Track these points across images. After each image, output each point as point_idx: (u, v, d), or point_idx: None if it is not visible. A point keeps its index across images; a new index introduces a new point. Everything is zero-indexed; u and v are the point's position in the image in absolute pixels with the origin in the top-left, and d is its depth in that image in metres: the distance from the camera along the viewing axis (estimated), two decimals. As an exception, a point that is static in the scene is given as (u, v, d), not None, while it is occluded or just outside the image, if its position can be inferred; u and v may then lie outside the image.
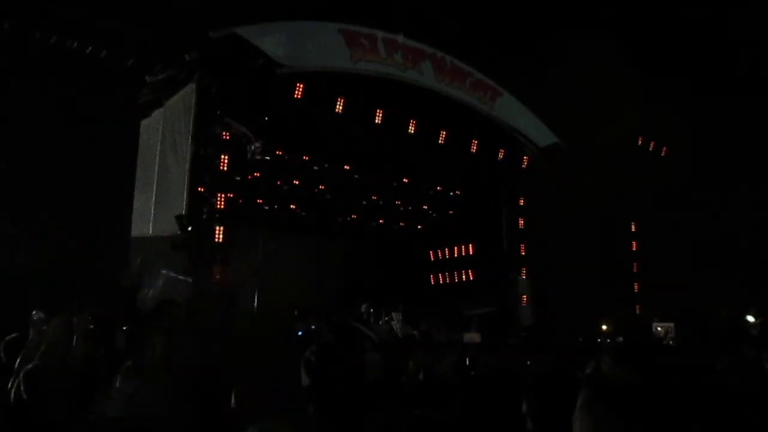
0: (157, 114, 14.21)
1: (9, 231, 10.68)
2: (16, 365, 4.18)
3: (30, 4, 11.07)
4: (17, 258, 10.72)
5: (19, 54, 11.15)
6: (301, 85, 14.48)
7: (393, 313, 15.94)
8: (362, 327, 4.17)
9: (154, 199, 13.67)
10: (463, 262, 20.53)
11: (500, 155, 18.53)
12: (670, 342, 15.10)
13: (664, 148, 17.48)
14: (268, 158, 14.45)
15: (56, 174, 11.27)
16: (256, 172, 16.18)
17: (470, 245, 20.23)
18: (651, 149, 17.47)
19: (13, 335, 4.85)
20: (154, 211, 13.64)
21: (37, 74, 11.25)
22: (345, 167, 17.70)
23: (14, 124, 10.78)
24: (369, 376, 4.16)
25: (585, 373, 3.11)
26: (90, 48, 11.57)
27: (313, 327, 13.38)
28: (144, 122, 14.17)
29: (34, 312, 5.59)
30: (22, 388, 3.67)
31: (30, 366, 3.86)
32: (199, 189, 13.13)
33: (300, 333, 12.12)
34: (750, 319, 15.12)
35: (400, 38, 15.85)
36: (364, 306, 16.04)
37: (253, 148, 13.50)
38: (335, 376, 2.84)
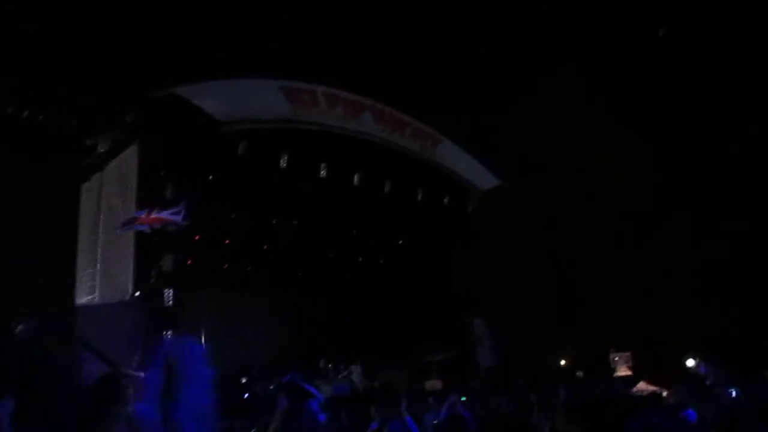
0: (96, 178, 13.83)
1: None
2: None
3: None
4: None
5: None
6: (244, 143, 14.47)
7: (352, 366, 15.69)
8: (308, 387, 4.06)
9: (98, 265, 13.20)
10: (418, 309, 20.38)
11: (445, 200, 18.81)
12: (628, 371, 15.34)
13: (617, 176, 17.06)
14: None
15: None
16: (204, 232, 15.85)
17: (423, 292, 20.17)
18: (603, 179, 17.08)
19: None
20: (99, 278, 13.15)
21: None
22: (293, 222, 17.58)
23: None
24: None
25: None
26: (27, 112, 11.27)
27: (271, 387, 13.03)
28: (84, 186, 13.77)
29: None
30: None
31: None
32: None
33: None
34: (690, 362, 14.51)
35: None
36: (322, 361, 15.74)
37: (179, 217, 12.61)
38: None
